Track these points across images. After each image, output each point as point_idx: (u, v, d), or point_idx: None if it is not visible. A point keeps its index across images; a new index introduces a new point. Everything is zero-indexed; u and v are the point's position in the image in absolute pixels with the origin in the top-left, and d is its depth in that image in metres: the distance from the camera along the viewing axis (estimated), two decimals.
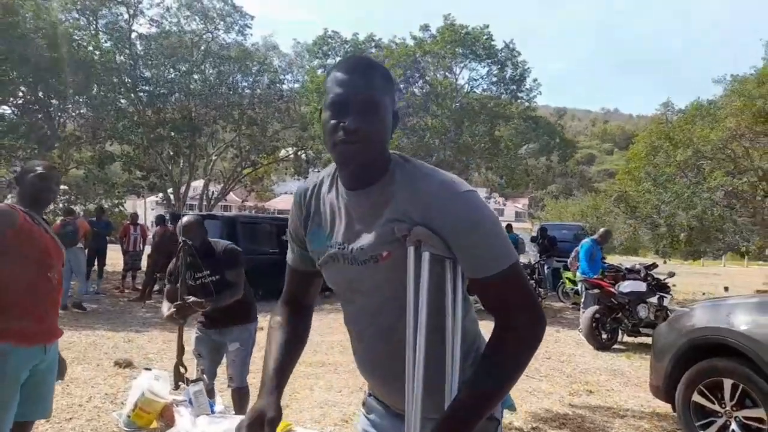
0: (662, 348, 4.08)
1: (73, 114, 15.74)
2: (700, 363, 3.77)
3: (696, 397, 3.75)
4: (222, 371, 3.62)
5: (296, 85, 20.05)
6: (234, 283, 3.30)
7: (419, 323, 1.11)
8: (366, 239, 1.18)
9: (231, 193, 24.52)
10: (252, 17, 18.05)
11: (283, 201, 47.20)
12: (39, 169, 2.30)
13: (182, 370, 3.21)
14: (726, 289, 15.67)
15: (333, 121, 1.13)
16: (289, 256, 1.41)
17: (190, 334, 3.52)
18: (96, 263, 10.83)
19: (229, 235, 9.74)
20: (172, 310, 3.11)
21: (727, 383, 3.60)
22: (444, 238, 1.12)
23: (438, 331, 1.15)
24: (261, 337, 6.24)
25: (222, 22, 17.65)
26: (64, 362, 2.47)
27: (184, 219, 3.36)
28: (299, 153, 20.38)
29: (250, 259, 9.65)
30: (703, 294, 14.39)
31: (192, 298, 3.12)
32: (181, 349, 3.23)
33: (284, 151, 21.27)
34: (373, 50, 17.62)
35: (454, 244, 1.12)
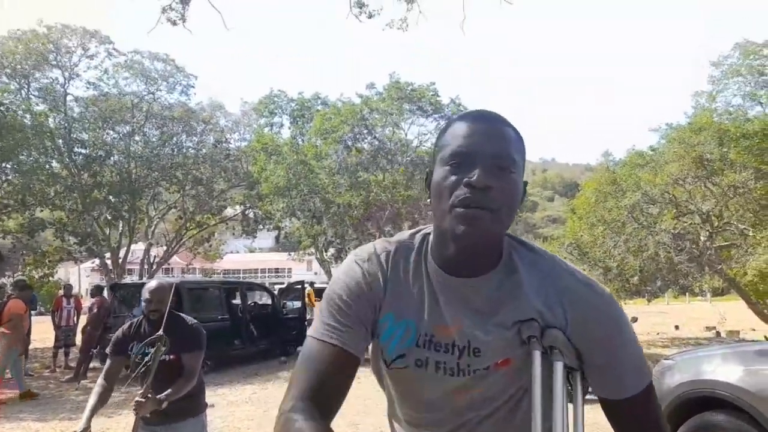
0: None
1: (1, 180, 14.80)
2: (693, 418, 3.58)
3: None
4: None
5: (243, 144, 19.81)
6: (190, 369, 2.86)
7: None
8: (481, 342, 0.94)
9: (175, 255, 23.51)
10: (195, 77, 17.87)
11: (229, 261, 45.90)
12: None
13: None
14: (677, 327, 16.04)
15: (453, 177, 0.88)
16: (327, 333, 0.93)
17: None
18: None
19: (173, 301, 9.15)
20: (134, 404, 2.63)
21: None
22: (583, 348, 0.94)
23: None
24: (210, 417, 5.58)
25: (164, 83, 17.34)
26: None
27: (152, 283, 2.92)
28: (246, 212, 19.90)
29: None
30: (658, 334, 14.68)
31: (156, 397, 2.64)
32: None
33: (231, 210, 20.75)
34: (320, 107, 17.73)
35: (597, 359, 0.94)
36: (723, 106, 13.66)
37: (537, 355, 0.92)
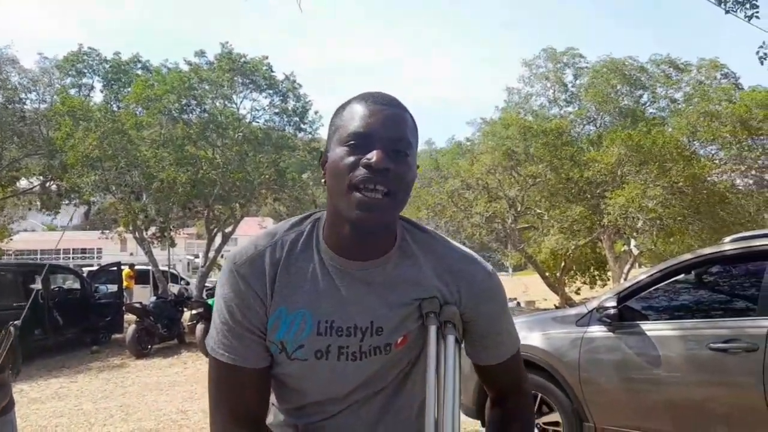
0: (466, 371, 4.33)
1: None
2: None
3: None
4: None
5: (43, 106, 17.15)
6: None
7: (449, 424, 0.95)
8: (384, 320, 0.95)
9: None
10: None
11: (23, 241, 39.83)
12: None
13: None
14: None
15: (351, 158, 0.87)
16: (229, 354, 0.94)
17: None
18: None
19: None
20: None
21: None
22: (470, 322, 1.01)
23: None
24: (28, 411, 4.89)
25: None
26: None
27: None
28: (48, 184, 17.35)
29: None
30: None
31: None
32: None
33: (26, 181, 17.91)
34: (140, 72, 16.10)
35: (482, 330, 1.02)
36: (530, 105, 15.59)
37: (433, 330, 0.96)
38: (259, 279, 0.94)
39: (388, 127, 0.89)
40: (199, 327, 9.01)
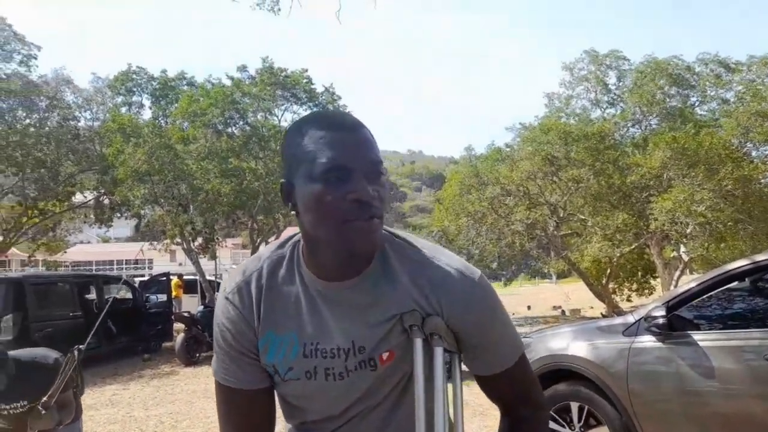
0: None
1: None
2: (547, 390, 3.99)
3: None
4: None
5: (96, 124, 17.95)
6: (66, 401, 2.49)
7: None
8: (365, 339, 0.95)
9: (13, 247, 20.78)
10: (39, 48, 15.81)
11: (80, 253, 41.65)
12: None
13: None
14: (529, 307, 17.72)
15: (334, 193, 0.85)
16: (228, 377, 1.01)
17: None
18: None
19: (16, 300, 8.16)
20: None
21: (574, 406, 3.85)
22: (459, 332, 0.97)
23: None
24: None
25: (0, 51, 15.13)
26: None
27: None
28: (101, 199, 18.12)
29: (47, 325, 8.29)
30: (513, 314, 16.11)
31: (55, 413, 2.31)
32: None
33: (81, 196, 18.75)
34: (186, 88, 16.67)
35: (473, 340, 0.98)
36: (571, 108, 15.29)
37: (419, 343, 0.95)
38: (247, 304, 0.97)
39: (364, 154, 0.88)
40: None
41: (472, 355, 1.01)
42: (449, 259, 0.98)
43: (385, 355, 0.96)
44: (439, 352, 0.96)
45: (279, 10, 8.85)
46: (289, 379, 0.97)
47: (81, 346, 2.52)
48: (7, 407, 2.35)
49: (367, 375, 0.97)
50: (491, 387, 1.03)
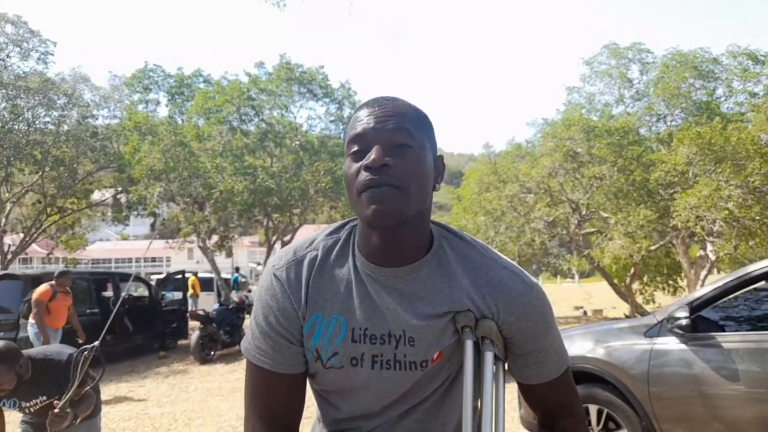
0: None
1: None
2: None
3: None
4: None
5: (113, 122, 18.06)
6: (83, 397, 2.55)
7: None
8: (416, 331, 0.92)
9: (33, 244, 21.06)
10: (54, 43, 15.88)
11: (98, 250, 42.24)
12: None
13: None
14: None
15: (355, 165, 0.88)
16: (264, 358, 0.96)
17: None
18: None
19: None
20: None
21: (593, 409, 3.69)
22: (511, 338, 0.95)
23: None
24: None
25: (17, 48, 15.24)
26: None
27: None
28: (118, 196, 18.24)
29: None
30: None
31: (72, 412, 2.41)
32: None
33: (99, 193, 18.91)
34: (202, 85, 16.67)
35: (524, 348, 0.96)
36: (593, 104, 14.92)
37: (470, 345, 0.93)
38: (297, 285, 0.95)
39: (382, 123, 0.87)
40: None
41: (521, 363, 0.99)
42: (508, 263, 0.97)
43: (435, 355, 0.93)
44: (489, 356, 0.94)
45: (285, 5, 8.80)
46: (331, 366, 0.94)
47: (96, 344, 2.55)
48: (28, 404, 2.48)
49: (415, 373, 0.94)
50: (536, 396, 1.02)
